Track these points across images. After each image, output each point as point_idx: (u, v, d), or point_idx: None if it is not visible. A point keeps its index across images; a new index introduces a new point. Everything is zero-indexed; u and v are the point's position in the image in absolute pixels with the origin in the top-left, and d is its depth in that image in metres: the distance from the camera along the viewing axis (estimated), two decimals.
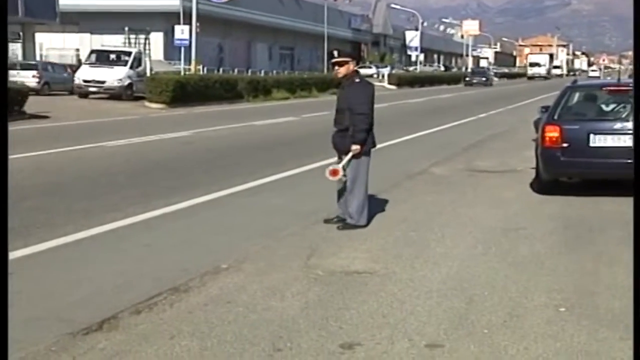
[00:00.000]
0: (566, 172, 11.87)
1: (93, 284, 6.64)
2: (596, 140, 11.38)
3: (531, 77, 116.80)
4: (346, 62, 8.91)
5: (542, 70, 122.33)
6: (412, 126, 24.65)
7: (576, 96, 12.51)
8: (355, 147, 8.84)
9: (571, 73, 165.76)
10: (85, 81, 36.88)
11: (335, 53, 8.98)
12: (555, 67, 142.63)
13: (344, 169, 8.89)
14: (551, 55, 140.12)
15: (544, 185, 12.01)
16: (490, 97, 49.55)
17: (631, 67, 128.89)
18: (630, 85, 12.35)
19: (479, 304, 6.14)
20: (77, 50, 54.05)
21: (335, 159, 9.43)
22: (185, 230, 8.97)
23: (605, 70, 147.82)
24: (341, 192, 9.13)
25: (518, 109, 36.54)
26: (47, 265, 7.26)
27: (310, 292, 6.43)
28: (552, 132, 11.53)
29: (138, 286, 6.52)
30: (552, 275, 7.02)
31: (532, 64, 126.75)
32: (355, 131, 8.81)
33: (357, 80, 9.06)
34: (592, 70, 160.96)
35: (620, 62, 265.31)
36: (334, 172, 8.90)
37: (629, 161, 10.60)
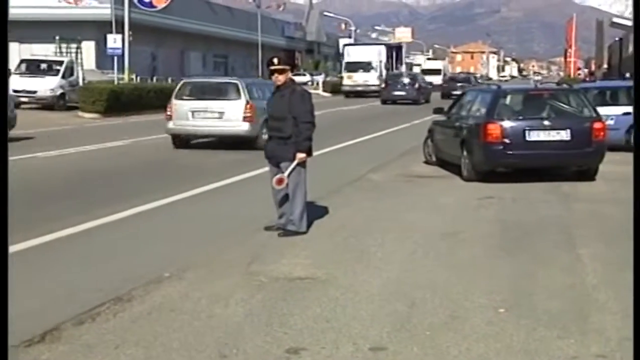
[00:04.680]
0: (506, 163, 13.56)
1: (34, 296, 6.57)
2: (531, 135, 13.23)
3: (348, 94, 59.16)
4: (285, 70, 8.96)
5: (370, 78, 59.62)
6: (348, 133, 24.76)
7: (507, 99, 14.35)
8: (302, 155, 8.88)
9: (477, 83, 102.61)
10: (15, 91, 36.19)
11: (275, 60, 8.97)
12: (429, 71, 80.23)
13: (289, 176, 8.92)
14: (396, 49, 73.19)
15: (480, 175, 13.55)
16: None
17: (561, 73, 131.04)
18: (547, 90, 15.57)
19: (421, 306, 6.24)
20: None
21: (268, 167, 9.45)
22: (126, 240, 8.92)
23: (535, 77, 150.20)
24: (283, 200, 9.14)
25: None
26: None
27: (253, 299, 6.46)
28: (494, 129, 13.20)
29: (80, 297, 6.47)
30: (490, 278, 7.16)
31: (351, 65, 61.44)
32: (302, 139, 8.85)
33: (298, 88, 9.11)
34: (536, 74, 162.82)
35: (548, 69, 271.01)
36: (280, 181, 8.91)
37: (556, 152, 13.26)
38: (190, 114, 19.50)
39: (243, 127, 19.25)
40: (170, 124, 19.82)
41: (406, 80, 51.44)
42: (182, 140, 20.03)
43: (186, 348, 5.26)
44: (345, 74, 61.01)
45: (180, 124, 19.67)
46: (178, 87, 20.75)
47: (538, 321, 5.86)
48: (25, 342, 5.37)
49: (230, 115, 19.28)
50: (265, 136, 21.51)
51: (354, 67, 60.83)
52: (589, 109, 13.95)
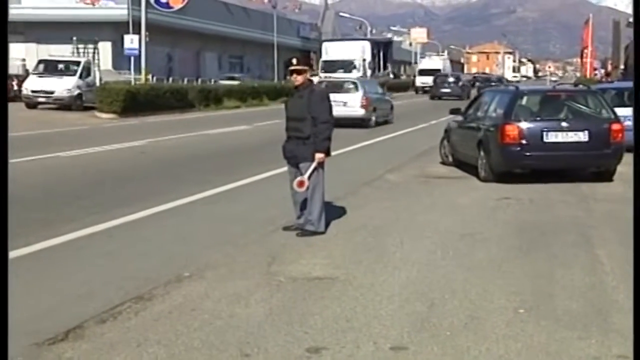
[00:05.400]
0: (524, 164, 13.55)
1: (56, 295, 6.63)
2: (549, 137, 13.24)
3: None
4: (304, 71, 8.98)
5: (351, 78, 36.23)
6: (365, 133, 24.80)
7: (525, 100, 14.26)
8: (321, 156, 8.91)
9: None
10: (33, 91, 36.48)
11: (294, 61, 9.00)
12: (427, 72, 67.72)
13: (309, 178, 8.93)
14: (384, 45, 66.48)
15: (497, 176, 13.60)
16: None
17: (577, 74, 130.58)
18: (564, 91, 15.32)
19: (440, 307, 6.26)
20: (24, 60, 53.38)
21: (287, 167, 9.48)
22: (145, 240, 8.97)
23: (551, 77, 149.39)
24: (302, 201, 9.15)
25: None
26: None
27: (273, 299, 6.50)
28: (512, 131, 13.20)
29: (102, 295, 6.52)
30: (509, 278, 7.17)
31: (330, 64, 55.27)
32: (321, 139, 8.87)
33: (317, 89, 9.15)
34: (552, 75, 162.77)
35: (564, 69, 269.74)
36: (301, 184, 8.91)
37: (574, 153, 13.25)
38: None
39: (360, 112, 27.48)
40: None
41: (451, 79, 60.21)
42: None
43: (208, 347, 5.30)
44: (322, 75, 48.88)
45: None
46: None
47: (558, 322, 5.87)
48: (49, 340, 5.42)
49: (352, 103, 27.23)
50: (374, 118, 28.48)
51: (332, 66, 53.13)
52: (606, 110, 13.90)
